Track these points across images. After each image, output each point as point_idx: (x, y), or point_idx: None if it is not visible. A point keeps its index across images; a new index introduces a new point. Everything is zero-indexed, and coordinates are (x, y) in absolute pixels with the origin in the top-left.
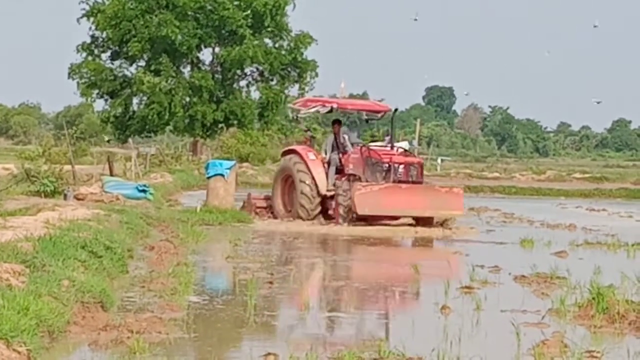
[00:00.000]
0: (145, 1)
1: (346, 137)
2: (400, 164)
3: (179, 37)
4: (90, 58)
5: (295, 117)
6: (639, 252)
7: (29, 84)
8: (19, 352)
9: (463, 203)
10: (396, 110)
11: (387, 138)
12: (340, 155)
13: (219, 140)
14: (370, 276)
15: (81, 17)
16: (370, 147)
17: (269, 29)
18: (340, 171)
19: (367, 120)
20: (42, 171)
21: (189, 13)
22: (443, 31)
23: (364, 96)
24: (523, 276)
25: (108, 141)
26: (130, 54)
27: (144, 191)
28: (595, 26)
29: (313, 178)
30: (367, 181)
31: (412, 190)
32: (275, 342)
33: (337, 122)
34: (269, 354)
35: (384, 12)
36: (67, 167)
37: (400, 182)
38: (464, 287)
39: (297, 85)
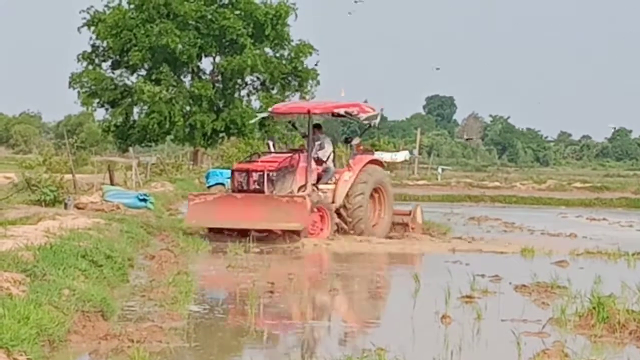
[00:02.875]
0: (146, 10)
1: (319, 143)
2: (242, 171)
3: (180, 46)
4: (91, 67)
5: (292, 124)
6: None
7: (29, 93)
8: None
9: (307, 214)
10: (309, 112)
11: (270, 142)
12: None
13: (220, 149)
14: (369, 285)
15: (82, 27)
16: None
17: (270, 39)
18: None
19: (369, 126)
20: (42, 180)
21: (190, 22)
22: (444, 41)
23: None
24: (524, 285)
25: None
26: (130, 63)
27: (144, 200)
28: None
29: None
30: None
31: (248, 200)
32: (276, 351)
33: (316, 127)
34: None
35: (385, 21)
36: (68, 176)
37: (240, 191)
38: (464, 297)
39: (297, 94)
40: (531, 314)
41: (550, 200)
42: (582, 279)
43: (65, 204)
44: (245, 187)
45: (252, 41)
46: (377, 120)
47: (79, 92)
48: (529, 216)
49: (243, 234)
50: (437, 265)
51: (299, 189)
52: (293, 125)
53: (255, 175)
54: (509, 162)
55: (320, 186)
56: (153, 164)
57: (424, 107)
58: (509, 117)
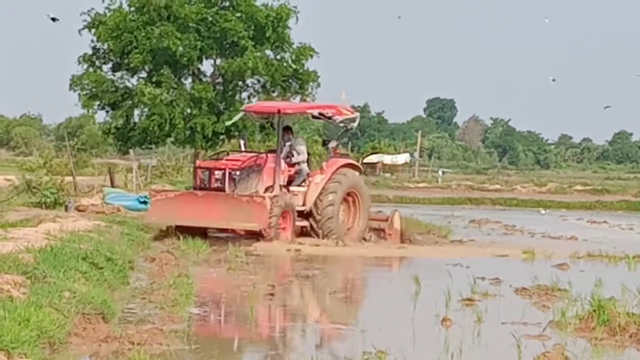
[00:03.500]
0: (146, 13)
1: (289, 144)
2: (205, 169)
3: (180, 48)
4: (91, 69)
5: (270, 124)
6: None
7: (30, 95)
8: None
9: (266, 214)
10: (279, 111)
11: (242, 141)
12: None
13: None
14: (369, 288)
15: (82, 29)
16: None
17: (271, 41)
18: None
19: (346, 129)
20: (43, 182)
21: (191, 25)
22: (444, 43)
23: (364, 108)
24: (524, 288)
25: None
26: (131, 65)
27: (145, 202)
28: (545, 19)
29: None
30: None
31: (208, 198)
32: (276, 353)
33: (286, 129)
34: None
35: (386, 24)
36: (68, 178)
37: (202, 189)
38: (464, 299)
39: (298, 97)
40: (532, 316)
41: (551, 203)
42: (582, 282)
43: (66, 207)
44: (207, 185)
45: (252, 43)
46: (355, 124)
47: (79, 94)
48: (529, 219)
49: (200, 232)
50: (437, 268)
51: (266, 190)
52: (271, 124)
53: (217, 174)
54: (510, 165)
55: (292, 188)
56: (154, 166)
57: (424, 110)
58: (509, 120)
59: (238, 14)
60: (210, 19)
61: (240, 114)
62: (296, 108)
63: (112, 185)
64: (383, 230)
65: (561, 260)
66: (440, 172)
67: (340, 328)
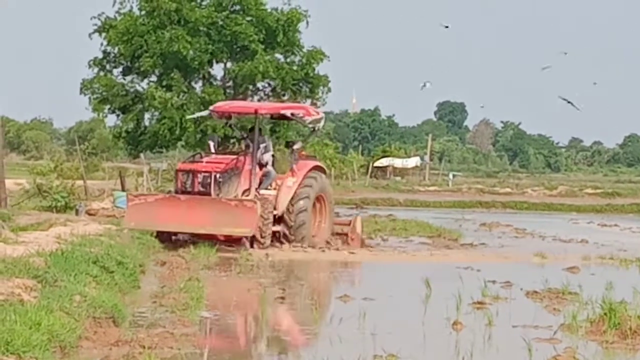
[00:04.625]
0: (157, 17)
1: (264, 146)
2: (187, 171)
3: (191, 52)
4: (102, 73)
5: (229, 125)
6: None
7: (40, 100)
8: None
9: (256, 219)
10: (256, 112)
11: (211, 142)
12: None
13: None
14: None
15: (93, 33)
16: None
17: (281, 45)
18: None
19: (313, 130)
20: (54, 186)
21: (201, 29)
22: (455, 47)
23: (375, 111)
24: (535, 292)
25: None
26: (142, 69)
27: None
28: (565, 53)
29: None
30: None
31: (193, 202)
32: (287, 357)
33: (252, 130)
34: None
35: (397, 27)
36: (79, 182)
37: (184, 192)
38: (475, 303)
39: (309, 101)
40: (542, 320)
41: (562, 207)
42: (593, 285)
43: (77, 210)
44: (189, 189)
45: (263, 47)
46: (321, 124)
47: (90, 98)
48: (540, 222)
49: (168, 238)
50: (448, 271)
51: (242, 193)
52: (230, 126)
53: (200, 177)
54: (520, 168)
55: (261, 191)
56: (164, 170)
57: (435, 113)
58: (520, 123)
59: (248, 18)
60: (220, 22)
61: (205, 112)
62: (271, 108)
63: (123, 189)
64: (346, 234)
65: (572, 263)
66: (450, 176)
67: (350, 331)
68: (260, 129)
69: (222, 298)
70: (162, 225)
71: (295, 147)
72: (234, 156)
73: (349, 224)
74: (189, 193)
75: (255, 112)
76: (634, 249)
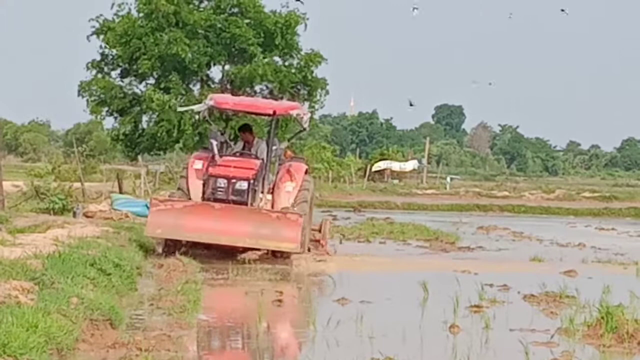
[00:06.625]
0: (155, 19)
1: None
2: (221, 177)
3: (189, 55)
4: (100, 76)
5: (203, 117)
6: None
7: (38, 102)
8: None
9: (299, 233)
10: (274, 113)
11: (214, 142)
12: None
13: None
14: (376, 293)
15: (91, 35)
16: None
17: (280, 48)
18: None
19: (302, 129)
20: (51, 188)
21: (199, 31)
22: (453, 50)
23: (372, 114)
24: (532, 295)
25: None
26: (140, 71)
27: None
28: (510, 16)
29: (188, 190)
30: (203, 199)
31: (228, 212)
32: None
33: (246, 129)
34: None
35: (395, 31)
36: (77, 184)
37: (216, 200)
38: (472, 306)
39: (307, 104)
40: (540, 323)
41: (559, 210)
42: (590, 289)
43: (74, 213)
44: (222, 197)
45: (261, 50)
46: (307, 124)
47: (87, 100)
48: (538, 225)
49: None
50: (445, 275)
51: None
52: (205, 120)
53: (237, 183)
54: (518, 172)
55: (259, 196)
56: (162, 172)
57: (432, 117)
58: (517, 127)
59: (247, 21)
60: (219, 25)
61: (203, 106)
62: (285, 108)
63: (121, 192)
64: (318, 240)
65: (569, 266)
66: (448, 179)
67: (347, 334)
68: (250, 129)
69: (220, 301)
70: (193, 235)
71: (281, 146)
72: (251, 159)
73: (319, 229)
74: (222, 201)
75: (274, 113)
76: (632, 252)
